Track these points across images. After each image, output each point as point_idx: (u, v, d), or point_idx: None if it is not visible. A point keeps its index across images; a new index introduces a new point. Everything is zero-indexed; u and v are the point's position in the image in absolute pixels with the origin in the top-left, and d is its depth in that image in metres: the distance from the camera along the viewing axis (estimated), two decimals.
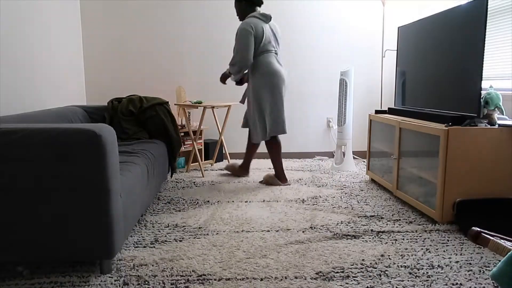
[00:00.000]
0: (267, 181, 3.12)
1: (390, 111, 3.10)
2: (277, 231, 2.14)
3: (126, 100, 3.10)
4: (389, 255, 1.84)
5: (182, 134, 3.77)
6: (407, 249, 1.91)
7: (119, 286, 1.57)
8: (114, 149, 1.60)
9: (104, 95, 4.02)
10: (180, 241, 2.01)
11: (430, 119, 2.46)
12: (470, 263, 1.76)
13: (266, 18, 2.92)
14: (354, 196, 2.81)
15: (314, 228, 2.19)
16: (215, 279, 1.61)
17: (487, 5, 2.08)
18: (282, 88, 2.92)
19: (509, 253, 0.99)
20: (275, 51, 2.97)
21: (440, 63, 2.52)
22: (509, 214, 2.17)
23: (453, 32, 2.37)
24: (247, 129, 4.26)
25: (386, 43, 4.13)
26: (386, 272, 1.68)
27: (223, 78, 3.16)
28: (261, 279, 1.61)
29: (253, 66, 2.94)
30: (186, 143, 3.77)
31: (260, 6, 2.99)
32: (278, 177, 3.10)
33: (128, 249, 1.90)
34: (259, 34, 2.84)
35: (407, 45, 2.96)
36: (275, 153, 3.06)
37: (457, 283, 1.58)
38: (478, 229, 1.16)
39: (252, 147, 3.24)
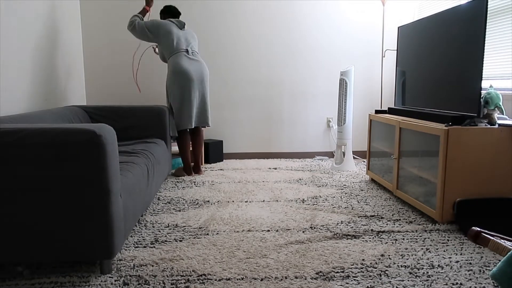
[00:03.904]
0: (175, 173, 3.46)
1: (390, 111, 3.10)
2: (277, 231, 2.14)
3: None
4: (389, 255, 1.84)
5: None
6: (407, 249, 1.91)
7: (119, 286, 1.57)
8: (114, 149, 1.60)
9: (104, 95, 4.03)
10: (180, 241, 2.01)
11: (430, 119, 2.46)
12: (470, 263, 1.76)
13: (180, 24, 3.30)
14: (354, 196, 2.81)
15: (314, 228, 2.19)
16: (215, 279, 1.61)
17: (487, 5, 2.08)
18: (190, 86, 3.19)
19: (509, 253, 0.99)
20: (187, 50, 3.25)
21: (440, 63, 2.52)
22: (509, 214, 2.17)
23: (453, 32, 2.37)
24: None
25: (386, 43, 4.13)
26: (386, 272, 1.68)
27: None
28: (261, 279, 1.61)
29: (167, 66, 3.29)
30: None
31: (177, 17, 3.40)
32: (185, 170, 3.43)
33: (128, 249, 1.90)
34: (166, 34, 3.20)
35: (407, 45, 2.96)
36: (181, 147, 3.35)
37: (457, 283, 1.58)
38: (478, 229, 1.16)
39: (179, 143, 3.38)
